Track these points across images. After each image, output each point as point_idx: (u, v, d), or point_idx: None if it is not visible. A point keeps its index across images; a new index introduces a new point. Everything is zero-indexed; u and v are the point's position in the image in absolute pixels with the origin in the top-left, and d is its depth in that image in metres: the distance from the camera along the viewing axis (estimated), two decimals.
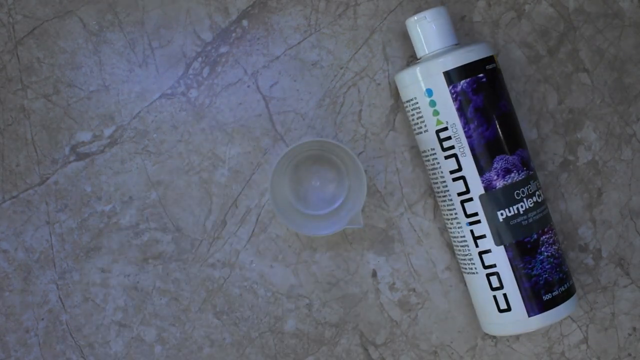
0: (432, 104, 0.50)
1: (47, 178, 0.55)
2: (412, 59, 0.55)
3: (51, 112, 0.55)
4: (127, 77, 0.55)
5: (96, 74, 0.55)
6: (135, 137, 0.55)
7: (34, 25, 0.55)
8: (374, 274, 0.56)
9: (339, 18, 0.55)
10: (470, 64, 0.49)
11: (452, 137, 0.50)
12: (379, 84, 0.55)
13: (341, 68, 0.55)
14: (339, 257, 0.56)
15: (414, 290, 0.56)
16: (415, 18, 0.51)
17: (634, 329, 0.56)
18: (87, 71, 0.55)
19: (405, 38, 0.55)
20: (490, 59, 0.50)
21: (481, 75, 0.49)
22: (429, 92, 0.50)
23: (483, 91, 0.50)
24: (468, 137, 0.50)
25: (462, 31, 0.55)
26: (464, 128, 0.50)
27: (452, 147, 0.50)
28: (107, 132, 0.55)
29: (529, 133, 0.56)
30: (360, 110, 0.55)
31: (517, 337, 0.56)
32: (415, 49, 0.52)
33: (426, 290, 0.56)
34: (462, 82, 0.49)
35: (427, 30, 0.51)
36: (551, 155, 0.56)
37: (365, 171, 0.55)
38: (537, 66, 0.56)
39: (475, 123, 0.49)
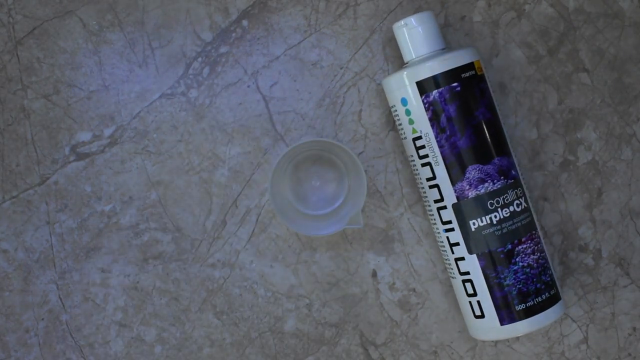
0: (408, 112, 0.50)
1: (47, 178, 0.55)
2: None
3: (51, 112, 0.55)
4: (127, 77, 0.55)
5: (96, 74, 0.55)
6: (135, 137, 0.55)
7: (34, 25, 0.55)
8: (374, 274, 0.56)
9: (339, 18, 0.55)
10: (444, 73, 0.49)
11: (425, 146, 0.50)
12: (379, 84, 0.55)
13: (341, 68, 0.55)
14: (339, 257, 0.56)
15: (414, 290, 0.56)
16: (401, 23, 0.51)
17: (634, 329, 0.56)
18: (87, 71, 0.55)
19: None
20: (468, 66, 0.49)
21: (455, 84, 0.49)
22: (404, 101, 0.50)
23: (457, 100, 0.49)
24: (440, 146, 0.49)
25: (462, 31, 0.55)
26: (436, 138, 0.49)
27: (427, 156, 0.50)
28: (107, 132, 0.55)
29: (529, 133, 0.56)
30: (360, 110, 0.55)
31: (517, 337, 0.56)
32: (402, 54, 0.52)
33: (426, 290, 0.56)
34: (434, 92, 0.49)
35: (411, 36, 0.51)
36: (551, 155, 0.56)
37: (365, 171, 0.55)
38: (537, 66, 0.56)
39: (448, 133, 0.49)
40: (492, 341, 0.56)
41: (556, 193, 0.56)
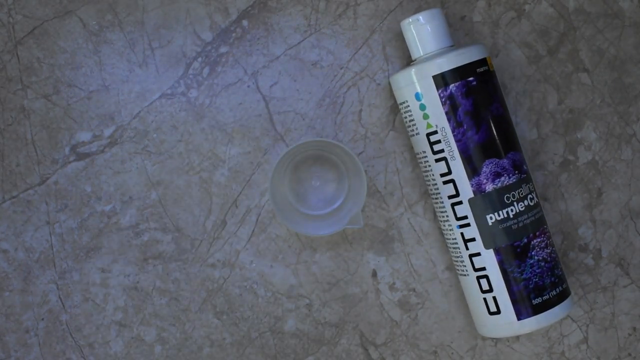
0: (422, 107, 0.50)
1: (47, 178, 0.55)
2: (411, 59, 0.55)
3: (51, 112, 0.55)
4: (127, 77, 0.55)
5: (96, 74, 0.55)
6: (135, 137, 0.55)
7: (34, 25, 0.55)
8: (374, 274, 0.56)
9: (339, 18, 0.55)
10: (460, 67, 0.49)
11: (441, 140, 0.50)
12: (379, 84, 0.55)
13: (341, 68, 0.55)
14: (339, 257, 0.56)
15: (414, 290, 0.56)
16: (410, 20, 0.51)
17: (634, 329, 0.56)
18: (87, 71, 0.55)
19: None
20: (482, 62, 0.50)
21: (471, 78, 0.49)
22: (419, 95, 0.50)
23: (473, 95, 0.49)
24: (457, 141, 0.49)
25: (462, 31, 0.55)
26: (453, 132, 0.49)
27: (442, 151, 0.50)
28: (107, 132, 0.55)
29: (529, 133, 0.56)
30: (360, 110, 0.55)
31: (517, 337, 0.56)
32: (410, 51, 0.52)
33: (426, 290, 0.56)
34: (452, 85, 0.49)
35: (420, 33, 0.51)
36: (551, 155, 0.56)
37: (365, 171, 0.55)
38: (537, 66, 0.56)
39: (465, 127, 0.49)
40: (493, 340, 0.56)
41: (556, 193, 0.56)
